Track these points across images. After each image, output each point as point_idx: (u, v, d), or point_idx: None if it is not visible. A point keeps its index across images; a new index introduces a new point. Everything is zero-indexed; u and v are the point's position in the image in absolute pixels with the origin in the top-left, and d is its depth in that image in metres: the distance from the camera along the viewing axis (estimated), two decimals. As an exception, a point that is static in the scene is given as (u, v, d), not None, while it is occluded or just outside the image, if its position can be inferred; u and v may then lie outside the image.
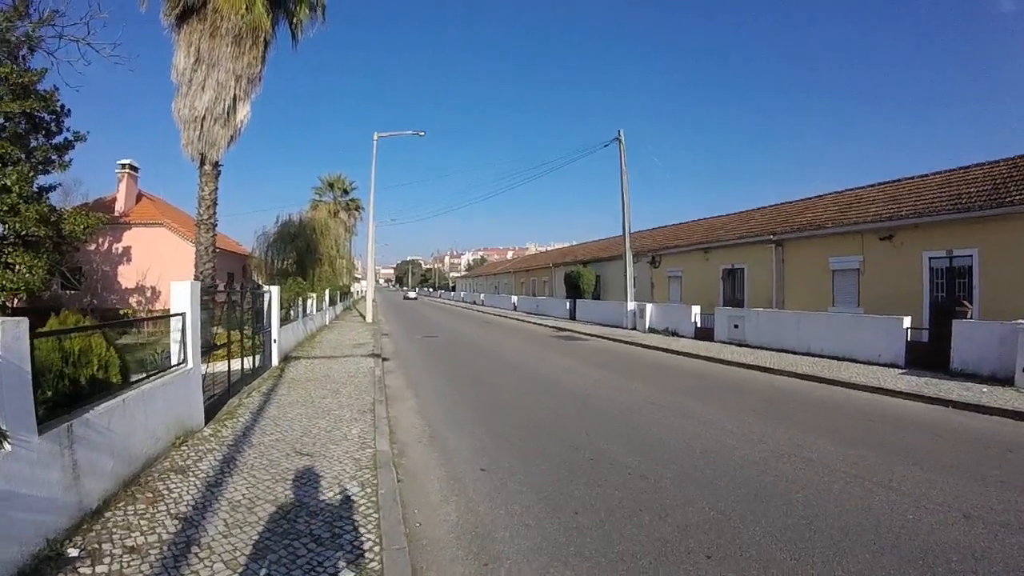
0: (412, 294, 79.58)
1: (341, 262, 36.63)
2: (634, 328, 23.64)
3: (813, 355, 14.58)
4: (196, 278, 14.54)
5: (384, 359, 14.12)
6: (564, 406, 9.02)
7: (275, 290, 11.87)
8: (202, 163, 15.02)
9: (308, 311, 19.28)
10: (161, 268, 25.67)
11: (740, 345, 17.47)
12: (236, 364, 9.48)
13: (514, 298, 42.76)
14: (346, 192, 53.66)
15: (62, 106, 19.91)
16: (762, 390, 10.49)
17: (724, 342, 18.25)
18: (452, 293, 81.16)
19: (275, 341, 11.92)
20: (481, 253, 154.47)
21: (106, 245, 27.76)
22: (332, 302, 27.49)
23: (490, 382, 11.22)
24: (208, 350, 8.63)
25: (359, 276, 72.76)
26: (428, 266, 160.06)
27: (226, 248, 32.82)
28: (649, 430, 7.54)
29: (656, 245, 28.58)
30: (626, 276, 24.81)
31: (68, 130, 20.35)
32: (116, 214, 28.03)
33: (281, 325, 13.42)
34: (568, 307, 31.72)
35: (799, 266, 20.60)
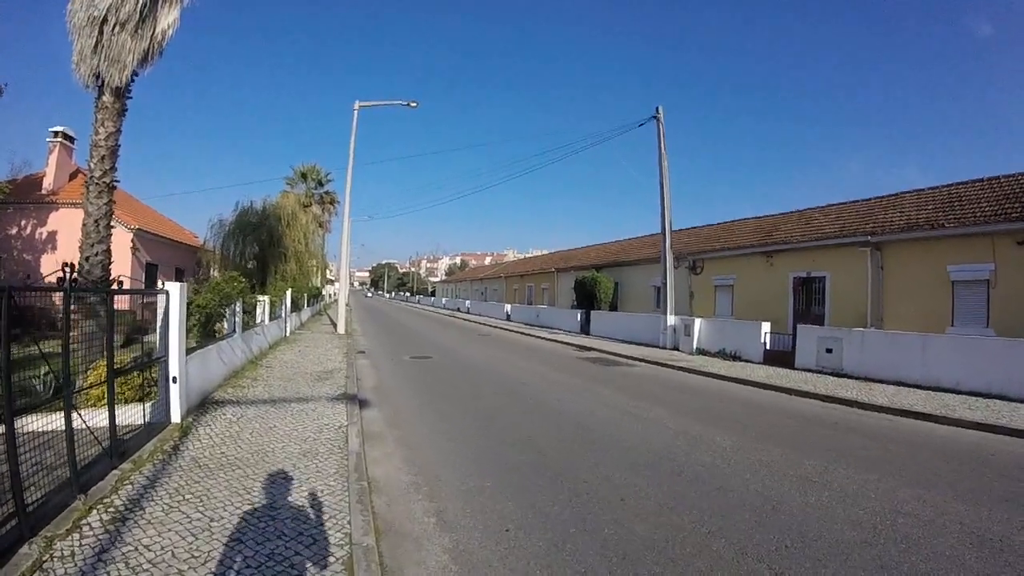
0: (370, 293, 73.18)
1: (311, 261, 31.12)
2: (675, 348, 19.17)
3: (945, 390, 11.46)
4: (80, 265, 9.52)
5: (362, 402, 9.15)
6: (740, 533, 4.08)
7: (175, 290, 6.81)
8: (100, 90, 10.09)
9: (258, 320, 14.14)
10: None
11: (836, 375, 13.50)
12: (108, 415, 4.46)
13: (507, 307, 37.89)
14: (320, 184, 48.34)
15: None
16: (962, 453, 7.12)
17: (811, 370, 14.25)
18: (432, 299, 75.91)
19: (174, 380, 6.85)
20: (459, 258, 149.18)
21: (28, 228, 22.48)
22: (296, 307, 22.25)
23: (568, 466, 6.26)
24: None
25: (333, 278, 67.20)
26: (405, 270, 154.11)
27: (176, 238, 27.39)
28: None
29: (697, 248, 23.97)
30: (666, 284, 20.16)
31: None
32: (43, 191, 22.92)
33: (199, 347, 8.35)
34: (579, 319, 26.97)
35: (904, 275, 16.15)
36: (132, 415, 6.47)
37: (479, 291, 55.04)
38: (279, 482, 5.21)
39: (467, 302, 50.33)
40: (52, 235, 22.37)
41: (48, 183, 23.23)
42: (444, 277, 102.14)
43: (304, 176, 46.91)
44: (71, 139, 24.25)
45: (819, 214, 21.43)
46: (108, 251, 9.87)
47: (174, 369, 6.93)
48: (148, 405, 6.89)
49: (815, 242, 18.70)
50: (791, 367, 14.68)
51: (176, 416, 7.00)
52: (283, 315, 18.20)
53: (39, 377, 5.88)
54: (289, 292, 19.20)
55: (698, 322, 18.68)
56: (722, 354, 17.19)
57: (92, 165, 9.93)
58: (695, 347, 18.28)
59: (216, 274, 28.30)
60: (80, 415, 4.83)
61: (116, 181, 10.28)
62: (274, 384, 9.90)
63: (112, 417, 5.48)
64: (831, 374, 13.62)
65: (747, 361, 16.16)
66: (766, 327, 16.49)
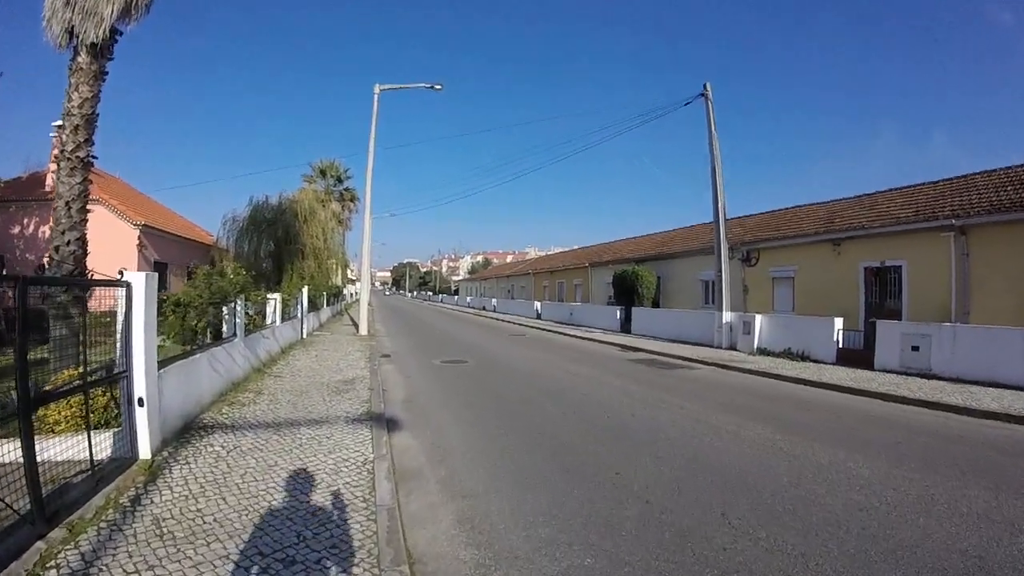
0: (388, 292, 71.55)
1: (331, 259, 29.22)
2: (732, 348, 17.04)
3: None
4: (50, 259, 7.86)
5: (391, 423, 7.26)
6: None
7: (139, 282, 4.96)
8: (74, 50, 8.47)
9: (268, 320, 12.36)
10: (94, 256, 19.26)
11: (923, 376, 11.77)
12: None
13: (537, 304, 35.86)
14: (340, 180, 46.82)
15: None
16: None
17: (893, 371, 12.41)
18: (455, 297, 74.24)
19: (140, 402, 5.02)
20: (481, 256, 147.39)
21: (31, 227, 21.24)
22: (314, 306, 20.52)
23: (720, 537, 4.27)
24: None
25: (353, 278, 65.85)
26: (426, 269, 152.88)
27: (186, 235, 25.90)
28: None
29: (749, 237, 21.70)
30: (720, 276, 18.02)
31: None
32: (47, 188, 21.63)
33: (181, 356, 6.53)
34: (619, 316, 24.87)
35: (995, 263, 13.78)
36: (94, 445, 4.70)
37: (505, 289, 53.06)
38: (273, 570, 3.32)
39: (493, 300, 48.40)
40: (57, 234, 21.07)
41: (51, 180, 21.91)
42: (466, 275, 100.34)
43: (323, 173, 45.43)
44: (77, 133, 22.89)
45: (883, 198, 19.10)
46: (82, 240, 8.13)
47: (139, 388, 5.09)
48: (109, 434, 5.09)
49: (890, 227, 16.34)
50: (870, 367, 12.80)
51: (144, 450, 5.17)
52: (299, 315, 16.47)
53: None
54: (305, 290, 17.45)
55: (759, 318, 16.56)
56: (788, 354, 15.12)
57: (64, 138, 8.21)
58: (756, 346, 16.22)
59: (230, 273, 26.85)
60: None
61: (93, 157, 8.56)
62: (282, 400, 8.03)
63: (31, 462, 3.64)
64: (918, 375, 11.80)
65: (817, 362, 14.15)
66: (839, 323, 14.51)
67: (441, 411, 8.17)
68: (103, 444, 4.97)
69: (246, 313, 9.79)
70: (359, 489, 4.77)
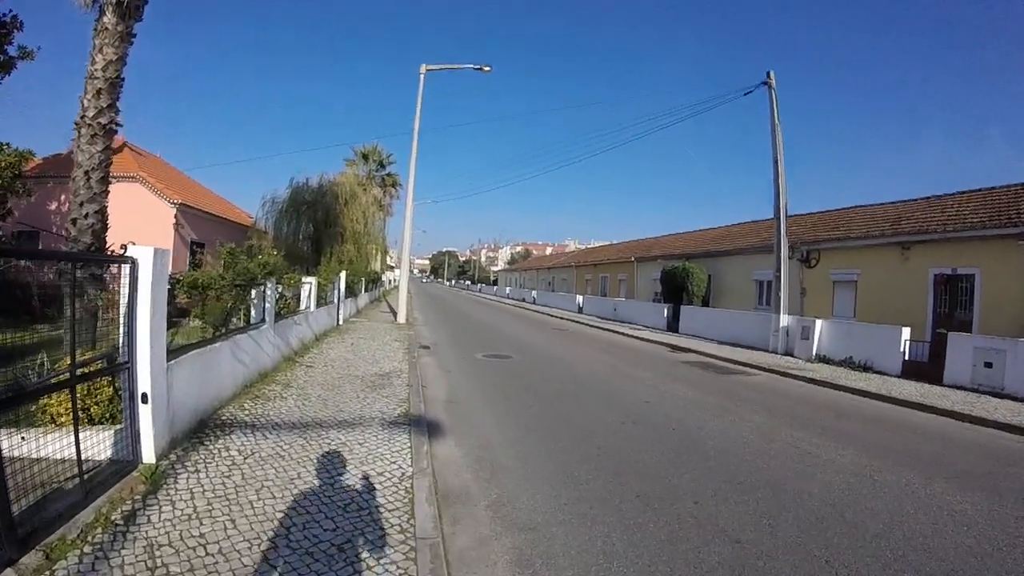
0: (426, 280, 71.09)
1: (370, 245, 28.56)
2: (788, 353, 15.81)
3: None
4: (66, 231, 7.31)
5: (431, 426, 6.43)
6: None
7: (146, 258, 4.21)
8: (100, 10, 7.91)
9: (303, 306, 11.70)
10: (130, 234, 19.07)
11: (995, 395, 10.64)
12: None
13: (579, 298, 34.73)
14: (382, 165, 46.44)
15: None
16: None
17: (963, 387, 11.34)
18: (494, 288, 73.57)
19: (144, 399, 4.29)
20: (520, 247, 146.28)
21: (68, 204, 21.21)
22: (351, 292, 19.94)
23: None
24: None
25: (393, 264, 65.77)
26: (464, 258, 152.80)
27: (224, 216, 25.65)
28: None
29: (808, 236, 20.14)
30: (779, 277, 16.74)
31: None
32: None
33: (197, 344, 5.81)
34: (666, 314, 23.61)
35: None
36: (92, 445, 4.01)
37: (546, 281, 51.95)
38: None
39: (533, 292, 47.43)
40: (96, 211, 21.03)
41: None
42: (505, 266, 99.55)
43: (365, 157, 45.08)
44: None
45: (952, 201, 17.34)
46: (102, 213, 7.55)
47: (144, 382, 4.34)
48: (111, 432, 4.38)
49: (965, 232, 14.74)
50: (937, 382, 11.72)
51: (148, 453, 4.44)
52: (335, 300, 15.86)
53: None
54: (343, 275, 16.83)
55: (819, 323, 15.20)
56: (849, 363, 13.89)
57: (85, 103, 7.62)
58: (814, 353, 14.92)
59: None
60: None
61: (117, 124, 7.97)
62: (311, 395, 7.28)
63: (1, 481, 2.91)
64: (990, 393, 10.70)
65: (881, 373, 12.99)
66: (906, 333, 13.20)
67: (486, 415, 7.29)
68: (102, 444, 4.26)
69: (280, 297, 9.11)
70: (396, 514, 3.93)
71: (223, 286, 6.10)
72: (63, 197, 20.75)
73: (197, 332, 6.22)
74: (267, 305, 7.80)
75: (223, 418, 5.93)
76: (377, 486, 4.40)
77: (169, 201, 20.38)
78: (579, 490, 4.77)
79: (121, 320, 4.34)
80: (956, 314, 15.07)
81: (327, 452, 5.08)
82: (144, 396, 4.36)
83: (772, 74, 17.19)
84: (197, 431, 5.39)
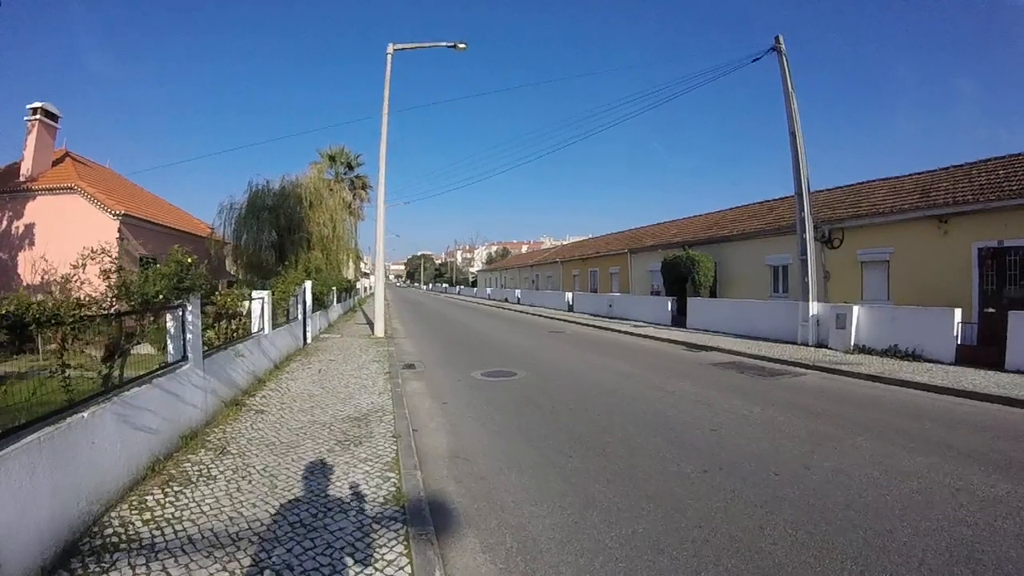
0: (402, 284, 68.61)
1: (341, 253, 25.84)
2: (820, 345, 14.21)
3: None
4: None
5: (434, 511, 4.19)
6: None
7: None
8: None
9: (255, 328, 9.36)
10: (68, 249, 16.48)
11: None
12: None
13: (568, 295, 32.60)
14: (351, 167, 43.95)
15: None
16: None
17: None
18: (473, 289, 71.21)
19: None
20: (497, 246, 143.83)
21: (4, 222, 18.63)
22: (320, 304, 17.52)
23: None
24: None
25: (367, 271, 62.98)
26: (440, 261, 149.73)
27: (178, 226, 22.93)
28: None
29: (826, 214, 18.29)
30: (805, 260, 14.96)
31: None
32: (21, 178, 18.99)
33: (50, 418, 3.49)
34: (670, 308, 21.66)
35: None
36: None
37: (529, 279, 49.69)
38: None
39: (517, 292, 45.15)
40: (29, 228, 18.37)
41: (26, 168, 19.15)
42: (483, 266, 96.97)
43: (332, 159, 42.50)
44: (54, 117, 20.06)
45: (976, 169, 15.82)
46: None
47: None
48: None
49: (1007, 201, 13.11)
50: (998, 368, 10.42)
51: None
52: (300, 316, 13.47)
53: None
54: (308, 284, 14.43)
55: (856, 310, 13.45)
56: (894, 352, 12.29)
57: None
58: (852, 343, 13.23)
59: (231, 268, 23.96)
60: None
61: None
62: (254, 467, 4.95)
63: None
64: None
65: (933, 361, 11.55)
66: (958, 315, 11.66)
67: (512, 478, 5.04)
68: None
69: (216, 322, 6.81)
70: None
71: (82, 317, 3.76)
72: None
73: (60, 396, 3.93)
74: (188, 336, 5.49)
75: (107, 532, 3.64)
76: None
77: (111, 212, 17.82)
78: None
79: None
80: (1006, 291, 13.43)
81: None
82: None
83: (781, 38, 15.50)
84: (57, 567, 3.11)
